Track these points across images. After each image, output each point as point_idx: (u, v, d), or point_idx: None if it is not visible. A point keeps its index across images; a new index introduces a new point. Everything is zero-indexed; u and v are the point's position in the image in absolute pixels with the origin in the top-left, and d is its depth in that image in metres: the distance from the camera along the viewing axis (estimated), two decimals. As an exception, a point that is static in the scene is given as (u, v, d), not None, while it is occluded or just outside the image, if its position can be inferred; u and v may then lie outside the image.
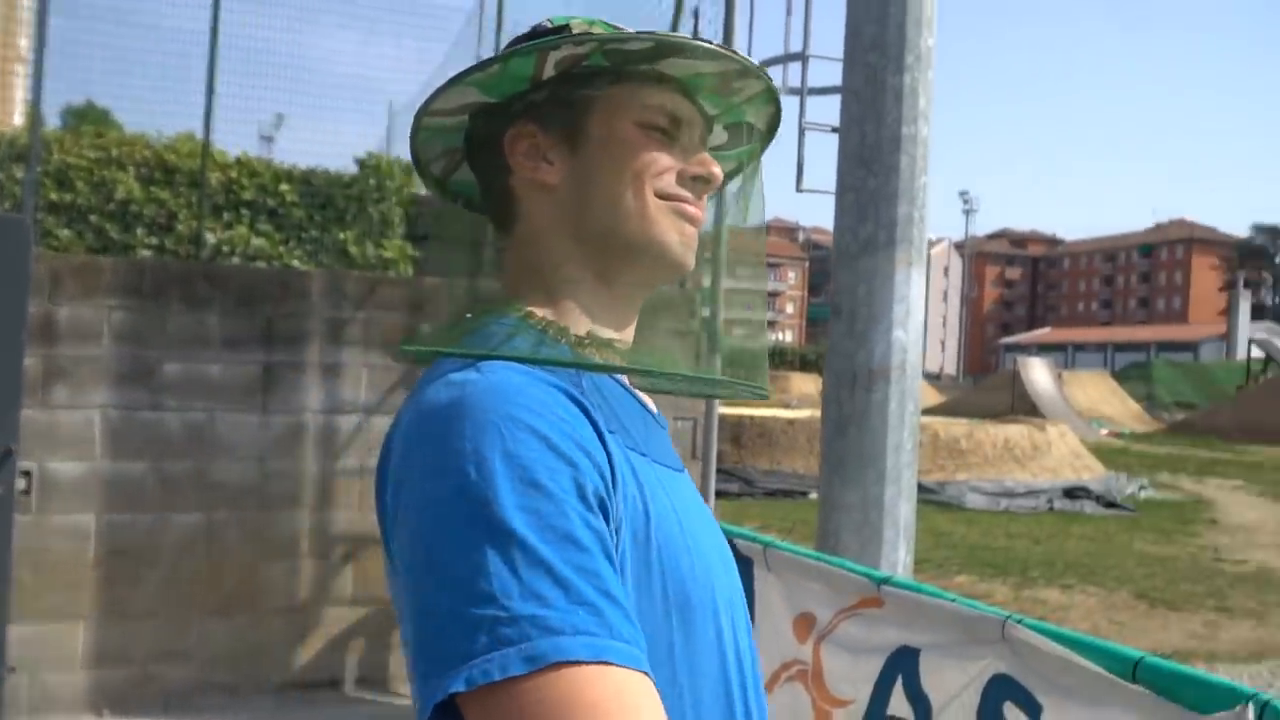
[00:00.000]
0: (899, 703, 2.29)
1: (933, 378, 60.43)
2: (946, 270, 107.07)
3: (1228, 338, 60.22)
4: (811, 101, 5.05)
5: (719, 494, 12.61)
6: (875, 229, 4.27)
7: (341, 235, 6.49)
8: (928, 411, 29.57)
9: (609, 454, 0.88)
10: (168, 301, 5.11)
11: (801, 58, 5.09)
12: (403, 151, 7.01)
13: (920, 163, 4.28)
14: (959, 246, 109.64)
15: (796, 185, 5.09)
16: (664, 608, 0.91)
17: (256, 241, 6.24)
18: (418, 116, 1.08)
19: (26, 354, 4.31)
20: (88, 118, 8.06)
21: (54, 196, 6.28)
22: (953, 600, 2.24)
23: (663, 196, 1.03)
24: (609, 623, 0.78)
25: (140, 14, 7.15)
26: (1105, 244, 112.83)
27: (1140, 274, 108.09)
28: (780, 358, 48.64)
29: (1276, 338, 46.55)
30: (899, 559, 4.42)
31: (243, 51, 6.43)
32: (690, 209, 1.05)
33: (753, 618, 2.82)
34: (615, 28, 1.02)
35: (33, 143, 5.62)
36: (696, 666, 0.93)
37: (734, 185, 1.19)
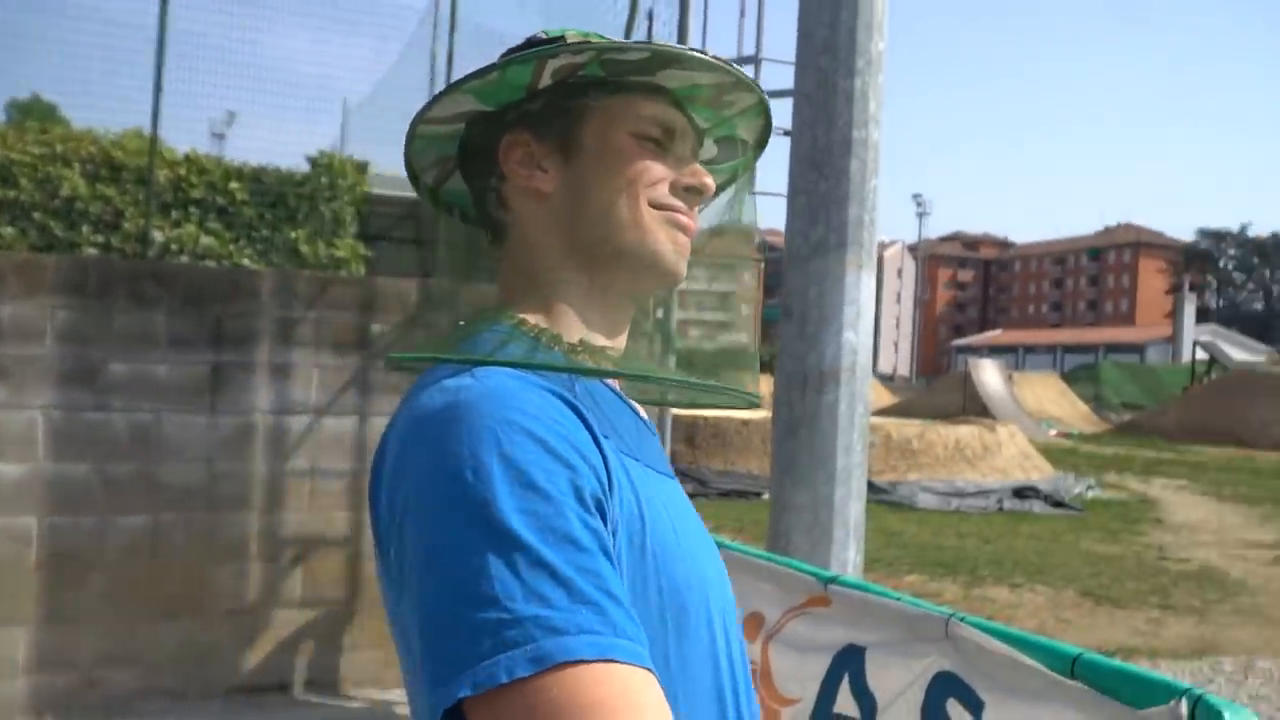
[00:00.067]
0: (845, 701, 2.31)
1: (886, 379, 60.95)
2: (900, 272, 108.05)
3: (1173, 340, 61.27)
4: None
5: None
6: (826, 232, 4.28)
7: (293, 234, 6.42)
8: (881, 412, 29.85)
9: (604, 457, 0.89)
10: (113, 300, 5.03)
11: (755, 60, 5.11)
12: (356, 149, 6.98)
13: (871, 166, 4.31)
14: (912, 249, 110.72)
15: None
16: (659, 613, 0.91)
17: (205, 240, 6.16)
18: (413, 124, 1.09)
19: (-34, 353, 4.22)
20: (33, 113, 7.93)
21: (-3, 193, 6.16)
22: (898, 599, 2.25)
23: (656, 206, 1.04)
24: (612, 621, 0.78)
25: (89, 7, 7.03)
26: (1055, 247, 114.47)
27: (1089, 277, 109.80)
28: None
29: (1220, 340, 47.51)
30: (849, 559, 4.46)
31: (194, 47, 6.36)
32: (683, 218, 1.06)
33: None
34: (609, 40, 1.03)
35: (-26, 138, 5.51)
36: (690, 673, 0.94)
37: (724, 196, 1.20)
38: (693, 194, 1.07)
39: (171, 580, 5.10)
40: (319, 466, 5.42)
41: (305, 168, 6.62)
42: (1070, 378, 47.59)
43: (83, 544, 4.94)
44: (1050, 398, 38.32)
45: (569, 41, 1.01)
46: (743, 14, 5.15)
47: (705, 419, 16.44)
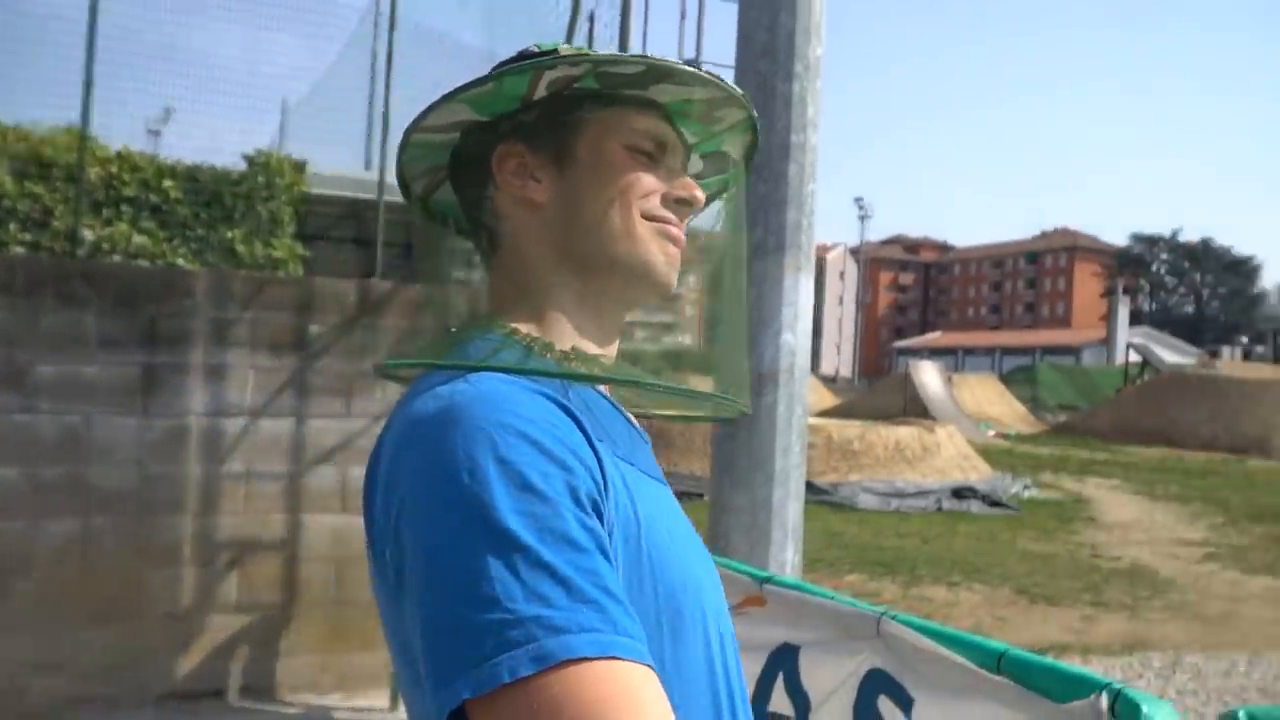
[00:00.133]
0: (780, 699, 2.33)
1: (829, 380, 61.48)
2: (842, 275, 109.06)
3: (1108, 343, 62.57)
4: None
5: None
6: (765, 235, 4.32)
7: (229, 234, 6.32)
8: (823, 414, 30.07)
9: (599, 459, 0.89)
10: (41, 300, 4.92)
11: (694, 64, 5.12)
12: (295, 148, 6.87)
13: (809, 170, 4.34)
14: (854, 252, 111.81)
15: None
16: (655, 616, 0.92)
17: (138, 239, 6.04)
18: (407, 133, 1.10)
19: (-114, 354, 4.11)
20: (-42, 108, 7.70)
21: (-80, 190, 6.00)
22: (831, 598, 2.28)
23: (648, 217, 1.06)
24: (613, 619, 0.79)
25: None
26: (994, 251, 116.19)
27: (1027, 280, 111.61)
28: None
29: (1152, 343, 48.56)
30: (787, 559, 4.49)
31: (127, 42, 6.23)
32: (674, 230, 1.08)
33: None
34: (605, 53, 1.04)
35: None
36: (686, 675, 0.95)
37: (712, 209, 1.21)
38: (683, 206, 1.09)
39: (103, 585, 5.00)
40: (255, 469, 5.34)
41: (243, 166, 6.52)
42: (1008, 379, 48.36)
43: (11, 548, 4.83)
44: (989, 399, 38.91)
45: (562, 55, 1.02)
46: (683, 16, 5.17)
47: (646, 421, 16.43)
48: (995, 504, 14.75)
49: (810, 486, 13.83)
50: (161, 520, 5.15)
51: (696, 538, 1.06)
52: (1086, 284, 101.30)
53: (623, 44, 5.65)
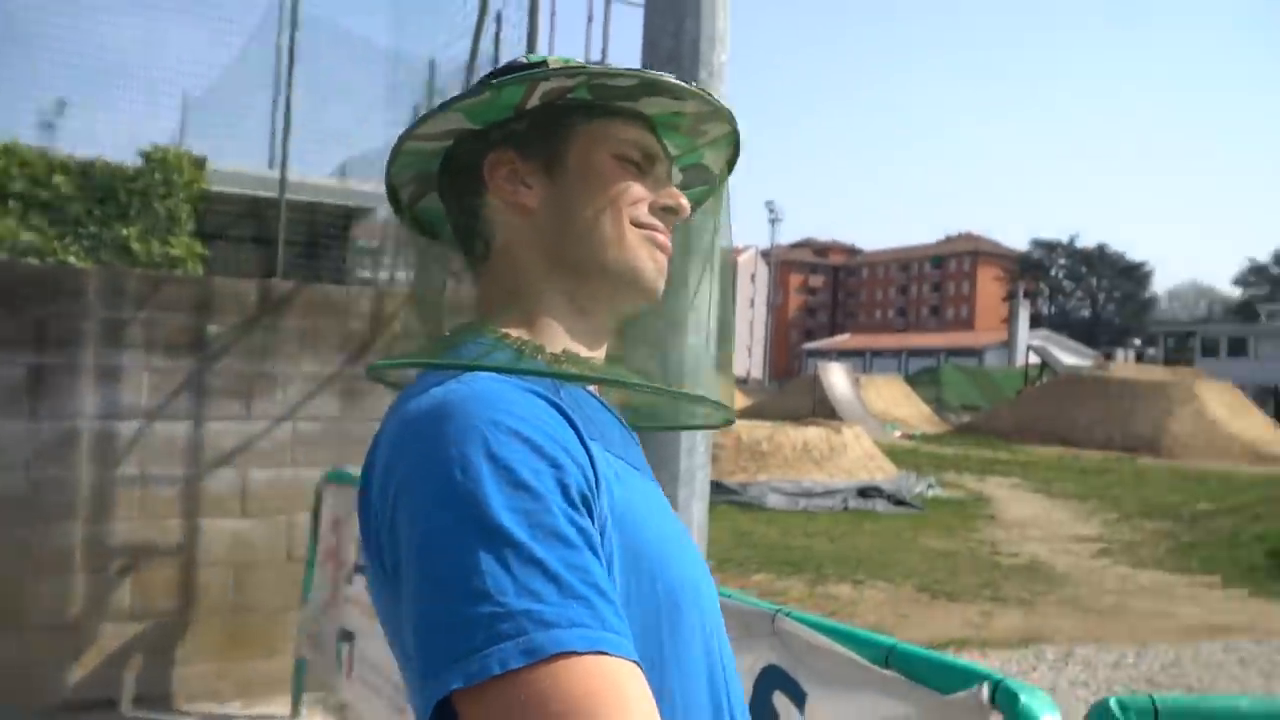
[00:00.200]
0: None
1: (740, 382, 62.07)
2: (754, 278, 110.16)
3: (1009, 345, 64.28)
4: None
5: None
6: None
7: (124, 231, 6.14)
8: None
9: (591, 456, 0.91)
10: (-78, 298, 4.73)
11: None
12: (195, 145, 6.70)
13: (716, 173, 4.37)
14: (765, 255, 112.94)
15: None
16: (655, 609, 0.94)
17: (27, 236, 5.84)
18: (400, 141, 1.11)
19: None
20: None
21: None
22: (729, 596, 2.31)
23: (637, 224, 1.09)
24: (601, 615, 0.80)
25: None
26: (900, 255, 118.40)
27: (932, 284, 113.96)
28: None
29: (1051, 345, 50.07)
30: (693, 558, 4.51)
31: (18, 30, 6.02)
32: (661, 237, 1.11)
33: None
34: (602, 66, 1.06)
35: None
36: (686, 670, 0.96)
37: (695, 218, 1.24)
38: (669, 214, 1.12)
39: (-13, 595, 4.82)
40: (150, 473, 5.20)
41: (140, 162, 6.34)
42: (914, 380, 49.35)
43: (-113, 558, 4.63)
44: (895, 400, 39.67)
45: (549, 68, 1.05)
46: (590, 19, 5.18)
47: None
48: (900, 503, 15.05)
49: (719, 486, 13.95)
50: (51, 527, 4.98)
51: (688, 535, 1.08)
52: (989, 288, 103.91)
53: (530, 45, 5.64)
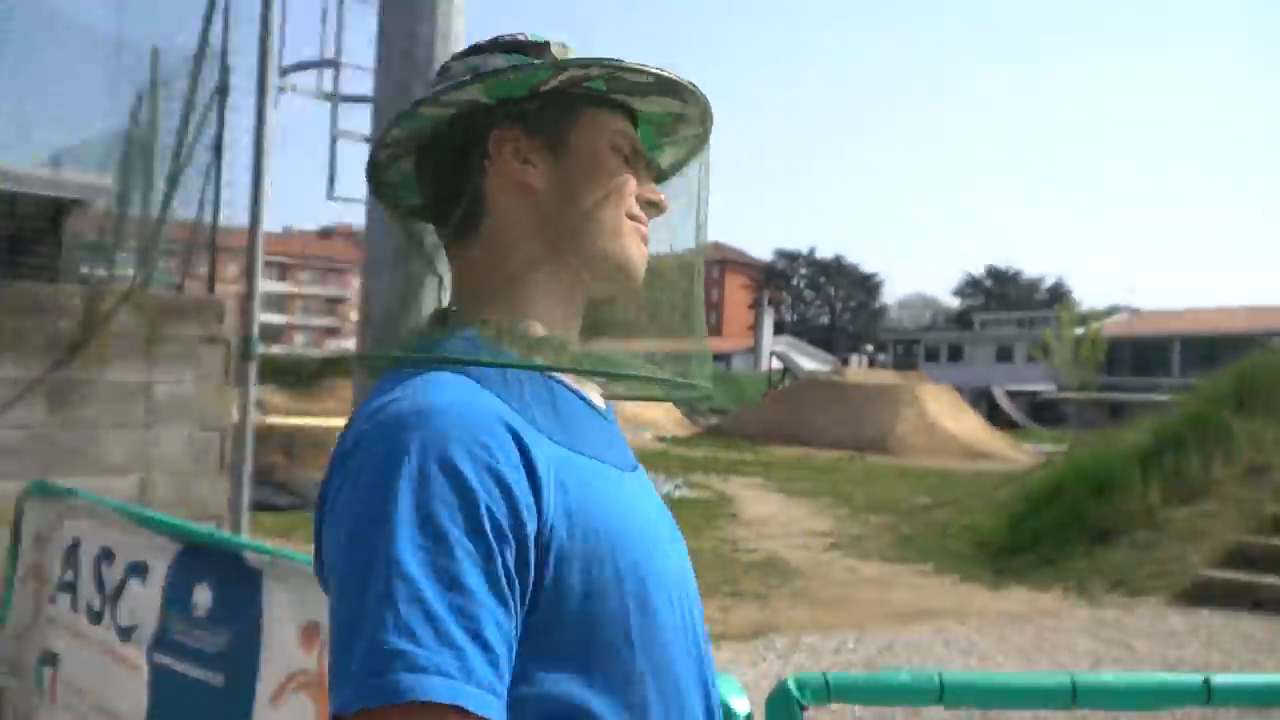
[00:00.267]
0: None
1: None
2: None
3: (755, 350, 67.11)
4: (345, 110, 5.02)
5: (268, 508, 12.10)
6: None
7: None
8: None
9: (535, 475, 0.91)
10: None
11: (334, 64, 5.04)
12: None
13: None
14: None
15: (328, 193, 5.04)
16: (619, 592, 0.95)
17: None
18: (419, 102, 1.10)
19: None
20: None
21: None
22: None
23: (630, 216, 1.12)
24: (470, 667, 0.82)
25: None
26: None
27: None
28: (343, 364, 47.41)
29: (793, 351, 52.65)
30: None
31: None
32: (645, 230, 1.14)
33: (259, 632, 2.75)
34: (626, 61, 1.07)
35: None
36: (662, 653, 0.99)
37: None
38: (651, 209, 1.15)
39: None
40: None
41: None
42: (665, 385, 50.54)
43: None
44: (647, 402, 40.58)
45: (550, 50, 1.09)
46: (324, 19, 5.08)
47: (303, 427, 15.89)
48: (648, 504, 15.40)
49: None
50: None
51: (666, 515, 1.16)
52: (736, 295, 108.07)
53: (263, 38, 5.43)
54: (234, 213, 6.21)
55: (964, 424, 30.87)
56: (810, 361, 55.20)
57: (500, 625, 0.86)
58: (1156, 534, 10.22)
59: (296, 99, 5.21)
